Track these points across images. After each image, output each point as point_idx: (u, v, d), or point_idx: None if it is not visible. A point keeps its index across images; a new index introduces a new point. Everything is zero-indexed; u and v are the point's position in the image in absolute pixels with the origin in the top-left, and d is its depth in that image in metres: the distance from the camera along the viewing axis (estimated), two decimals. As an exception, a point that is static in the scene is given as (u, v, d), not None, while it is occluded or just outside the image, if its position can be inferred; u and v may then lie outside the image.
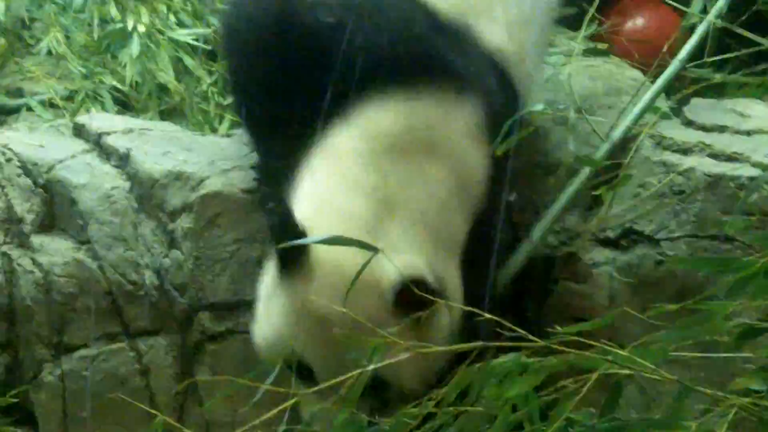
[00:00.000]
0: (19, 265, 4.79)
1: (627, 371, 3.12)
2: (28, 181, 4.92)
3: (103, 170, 4.90)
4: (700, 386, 3.15)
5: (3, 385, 4.78)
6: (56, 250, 4.80)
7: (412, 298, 3.77)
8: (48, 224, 4.88)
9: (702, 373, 3.60)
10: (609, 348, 3.13)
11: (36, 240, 4.83)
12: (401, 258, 3.93)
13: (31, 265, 4.79)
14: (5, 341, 4.80)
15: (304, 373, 3.92)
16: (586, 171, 4.64)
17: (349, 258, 3.75)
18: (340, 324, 3.72)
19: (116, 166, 4.91)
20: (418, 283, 3.80)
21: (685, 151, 4.63)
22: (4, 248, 4.83)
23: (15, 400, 4.74)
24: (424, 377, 3.84)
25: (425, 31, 4.28)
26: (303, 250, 3.89)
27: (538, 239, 4.60)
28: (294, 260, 3.93)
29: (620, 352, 3.14)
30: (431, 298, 3.73)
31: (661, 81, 4.80)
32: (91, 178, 4.86)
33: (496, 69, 4.38)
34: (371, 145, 4.12)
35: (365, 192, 4.05)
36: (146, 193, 4.80)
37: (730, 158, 4.55)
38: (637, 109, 4.74)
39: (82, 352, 4.74)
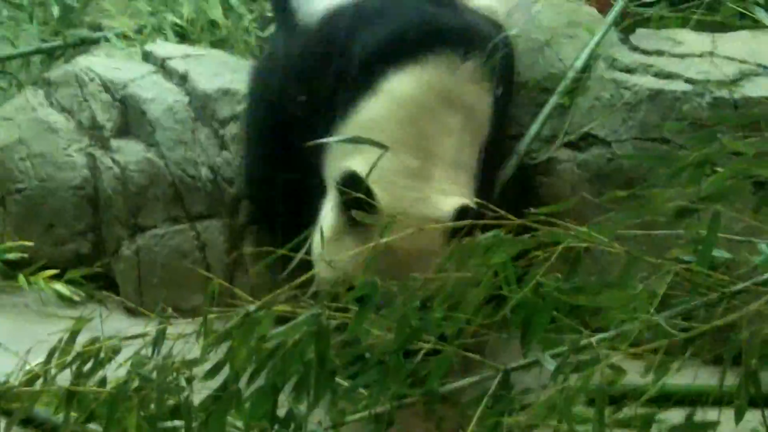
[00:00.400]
0: (101, 163, 4.83)
1: (585, 244, 3.06)
2: (108, 96, 4.93)
3: (167, 87, 4.91)
4: (644, 257, 3.12)
5: (90, 257, 4.83)
6: (130, 151, 4.82)
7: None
8: (123, 131, 4.89)
9: (645, 247, 3.58)
10: (571, 226, 3.09)
11: (114, 143, 4.86)
12: (448, 195, 3.93)
13: (111, 163, 4.82)
14: (92, 223, 4.85)
15: None
16: (558, 91, 4.59)
17: (407, 201, 3.80)
18: (405, 256, 3.68)
19: (177, 84, 4.91)
20: (465, 211, 3.76)
21: (631, 70, 4.60)
22: (89, 150, 4.87)
23: (100, 270, 4.79)
24: None
25: (424, 7, 4.24)
26: (368, 200, 3.75)
27: (523, 151, 4.56)
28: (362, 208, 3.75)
29: (580, 228, 3.10)
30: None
31: (610, 17, 4.76)
32: (157, 94, 4.87)
33: (488, 25, 4.31)
34: (400, 109, 4.05)
35: (406, 147, 3.98)
36: (201, 106, 4.80)
37: (667, 76, 4.53)
38: (594, 40, 4.68)
39: (153, 231, 4.76)
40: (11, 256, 4.75)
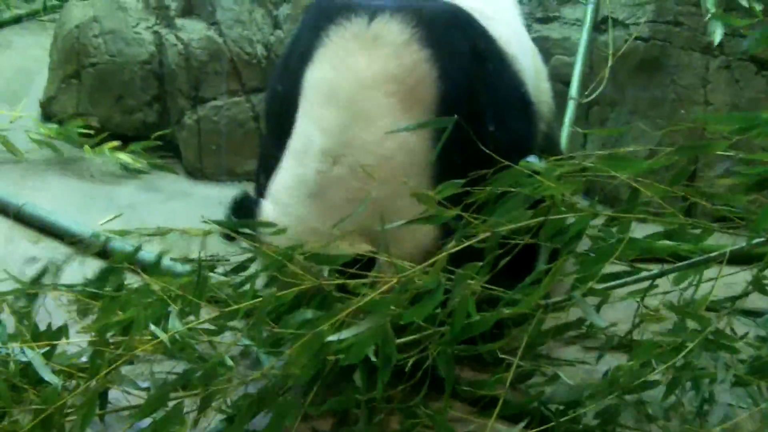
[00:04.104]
0: (166, 40, 4.79)
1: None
2: (174, -21, 4.93)
3: (226, -30, 4.90)
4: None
5: (156, 126, 4.80)
6: (193, 29, 4.78)
7: None
8: (187, 10, 4.84)
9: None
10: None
11: (179, 22, 4.82)
12: None
13: (175, 39, 4.78)
14: (157, 95, 4.81)
15: None
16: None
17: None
18: None
19: (237, -31, 4.90)
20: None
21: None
22: (156, 28, 4.83)
23: (160, 143, 4.73)
24: None
25: None
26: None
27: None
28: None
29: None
30: None
31: None
32: (219, -23, 4.86)
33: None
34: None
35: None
36: (258, -11, 4.79)
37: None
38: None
39: (212, 103, 4.72)
40: (81, 130, 4.72)
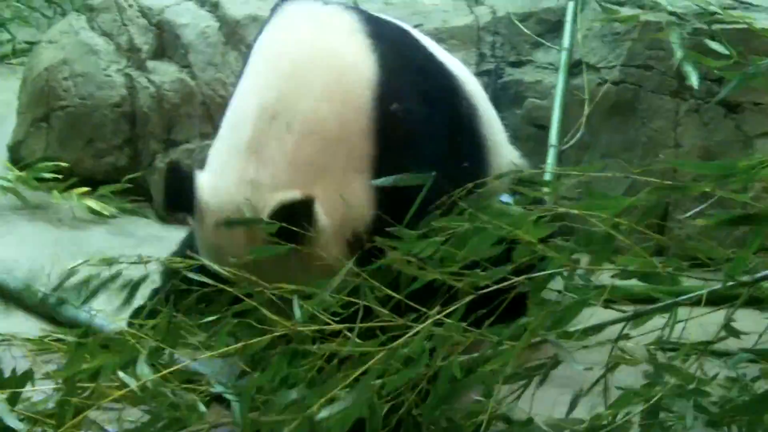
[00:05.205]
0: (138, 82, 4.82)
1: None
2: (145, 21, 4.93)
3: (200, 13, 4.87)
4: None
5: (127, 170, 4.79)
6: (165, 72, 4.81)
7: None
8: (159, 53, 4.88)
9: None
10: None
11: (150, 64, 4.85)
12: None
13: (147, 82, 4.81)
14: (128, 138, 4.83)
15: None
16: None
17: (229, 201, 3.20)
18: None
19: (209, 11, 4.87)
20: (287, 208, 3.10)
21: (621, 3, 4.53)
22: (127, 70, 4.86)
23: (130, 186, 4.71)
24: None
25: None
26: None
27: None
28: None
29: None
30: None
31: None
32: (191, 19, 4.85)
33: None
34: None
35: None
36: (231, 31, 4.77)
37: (652, 8, 4.46)
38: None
39: (185, 146, 4.76)
40: (46, 174, 4.69)
